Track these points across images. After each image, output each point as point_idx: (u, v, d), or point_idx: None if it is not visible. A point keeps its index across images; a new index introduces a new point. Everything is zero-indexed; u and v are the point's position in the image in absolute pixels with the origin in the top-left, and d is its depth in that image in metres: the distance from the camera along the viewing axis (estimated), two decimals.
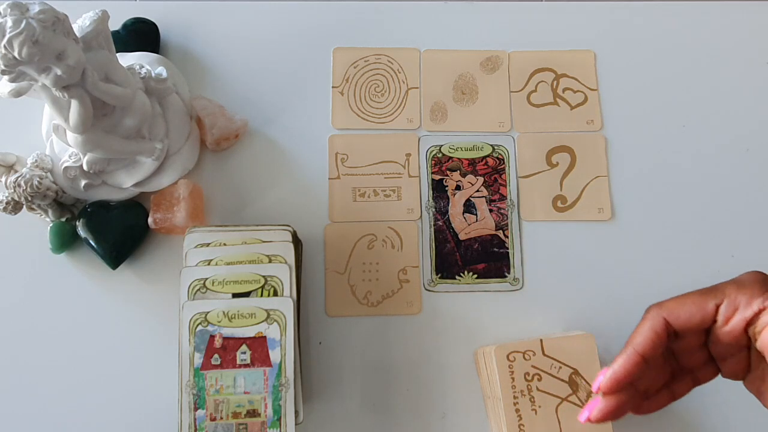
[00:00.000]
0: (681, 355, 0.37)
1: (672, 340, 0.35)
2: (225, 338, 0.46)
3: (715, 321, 0.34)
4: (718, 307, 0.34)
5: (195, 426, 0.45)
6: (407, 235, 0.57)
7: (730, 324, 0.34)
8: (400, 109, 0.60)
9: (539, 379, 0.46)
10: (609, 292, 0.55)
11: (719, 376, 0.37)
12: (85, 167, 0.52)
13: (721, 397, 0.53)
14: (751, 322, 0.33)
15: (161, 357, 0.52)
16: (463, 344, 0.54)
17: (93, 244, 0.53)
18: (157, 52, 0.59)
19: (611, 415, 0.35)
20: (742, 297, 0.33)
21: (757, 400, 0.36)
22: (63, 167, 0.53)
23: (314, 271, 0.56)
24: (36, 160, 0.54)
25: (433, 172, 0.59)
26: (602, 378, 0.35)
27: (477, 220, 0.58)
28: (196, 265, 0.48)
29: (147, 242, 0.56)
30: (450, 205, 0.58)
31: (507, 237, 0.57)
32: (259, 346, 0.46)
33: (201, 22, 0.62)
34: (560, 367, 0.46)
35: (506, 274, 0.56)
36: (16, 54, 0.41)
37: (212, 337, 0.46)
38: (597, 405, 0.36)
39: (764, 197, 0.58)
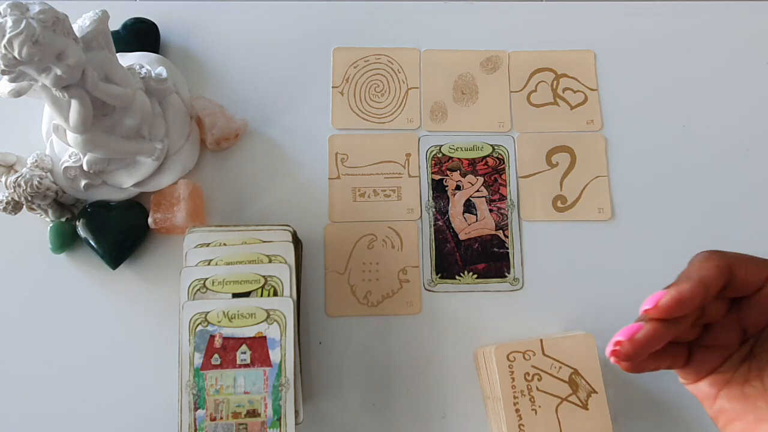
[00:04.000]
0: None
1: (720, 292, 0.32)
2: (225, 338, 0.46)
3: (761, 288, 0.32)
4: None
5: (195, 426, 0.45)
6: (407, 235, 0.57)
7: None
8: (400, 109, 0.60)
9: (539, 379, 0.46)
10: (609, 292, 0.55)
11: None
12: (85, 167, 0.52)
13: None
14: None
15: (161, 357, 0.52)
16: (463, 344, 0.54)
17: (93, 244, 0.53)
18: (157, 52, 0.59)
19: (656, 340, 0.31)
20: None
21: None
22: (63, 167, 0.53)
23: (314, 271, 0.56)
24: (36, 160, 0.54)
25: (433, 172, 0.59)
26: (655, 298, 0.31)
27: (477, 220, 0.57)
28: (196, 265, 0.48)
29: (147, 242, 0.56)
30: (450, 205, 0.58)
31: (507, 237, 0.57)
32: (259, 346, 0.46)
33: (201, 22, 0.62)
34: (560, 367, 0.46)
35: (506, 274, 0.56)
36: (16, 54, 0.41)
37: (212, 337, 0.46)
38: (640, 328, 0.31)
39: (764, 197, 0.58)
